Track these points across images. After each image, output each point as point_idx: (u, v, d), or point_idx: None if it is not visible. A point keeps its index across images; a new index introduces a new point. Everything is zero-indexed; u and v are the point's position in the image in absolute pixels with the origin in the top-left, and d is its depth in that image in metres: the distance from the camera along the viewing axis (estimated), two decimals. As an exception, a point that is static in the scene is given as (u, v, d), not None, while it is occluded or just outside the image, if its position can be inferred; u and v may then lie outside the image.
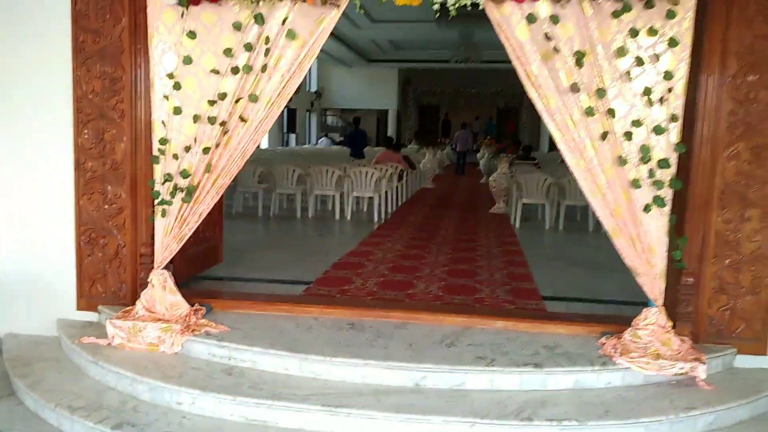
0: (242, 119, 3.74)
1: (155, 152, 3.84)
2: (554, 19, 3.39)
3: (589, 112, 3.44)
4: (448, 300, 4.67)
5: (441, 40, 17.34)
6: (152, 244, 3.96)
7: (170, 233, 3.87)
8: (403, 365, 3.36)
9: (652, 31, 3.35)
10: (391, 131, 25.11)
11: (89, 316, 4.17)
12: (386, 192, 9.29)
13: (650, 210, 3.46)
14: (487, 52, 16.34)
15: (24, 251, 4.25)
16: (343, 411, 3.07)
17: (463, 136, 18.84)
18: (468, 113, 25.45)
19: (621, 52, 3.38)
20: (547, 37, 3.42)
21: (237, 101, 3.72)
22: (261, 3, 3.58)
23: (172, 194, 3.82)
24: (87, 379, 3.55)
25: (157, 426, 3.07)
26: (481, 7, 3.44)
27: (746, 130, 3.56)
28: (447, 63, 19.42)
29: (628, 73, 3.40)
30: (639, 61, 3.38)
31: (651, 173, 3.44)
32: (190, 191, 3.81)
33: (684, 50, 3.37)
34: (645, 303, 3.62)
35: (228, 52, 3.66)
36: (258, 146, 3.95)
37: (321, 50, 3.80)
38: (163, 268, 3.91)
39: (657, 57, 3.38)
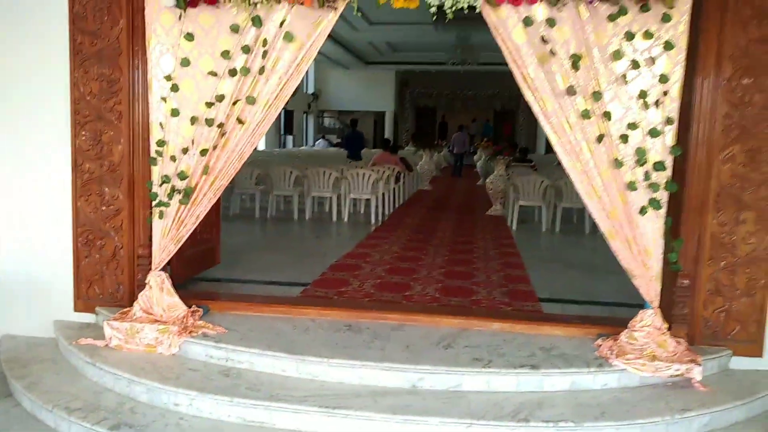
0: (240, 121, 3.75)
1: (153, 154, 3.84)
2: (551, 23, 3.41)
3: (586, 114, 3.46)
4: (445, 302, 4.68)
5: (438, 42, 17.36)
6: (150, 246, 3.96)
7: (168, 235, 3.88)
8: (400, 367, 3.37)
9: (647, 35, 3.37)
10: (388, 133, 25.13)
11: (86, 317, 4.18)
12: (383, 194, 9.30)
13: (646, 212, 3.48)
14: (484, 54, 16.40)
15: (22, 252, 4.25)
16: (341, 412, 3.08)
17: (460, 139, 18.89)
18: (465, 115, 25.49)
19: (617, 55, 3.40)
20: (544, 40, 3.44)
21: (234, 103, 3.73)
22: (259, 5, 3.59)
23: (170, 196, 3.83)
24: (84, 381, 3.55)
25: (154, 427, 3.08)
26: (478, 10, 3.46)
27: (741, 133, 3.58)
28: (444, 65, 19.46)
29: (624, 76, 3.42)
30: (635, 65, 3.40)
31: (647, 176, 3.46)
32: (187, 193, 3.81)
33: (679, 53, 3.39)
34: (641, 305, 3.64)
35: (226, 54, 3.67)
36: (255, 148, 3.97)
37: (318, 52, 3.81)
38: (160, 270, 3.92)
39: (653, 60, 3.40)
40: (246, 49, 3.65)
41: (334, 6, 3.58)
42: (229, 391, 3.22)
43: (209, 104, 3.72)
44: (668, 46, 3.36)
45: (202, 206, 3.89)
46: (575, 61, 3.42)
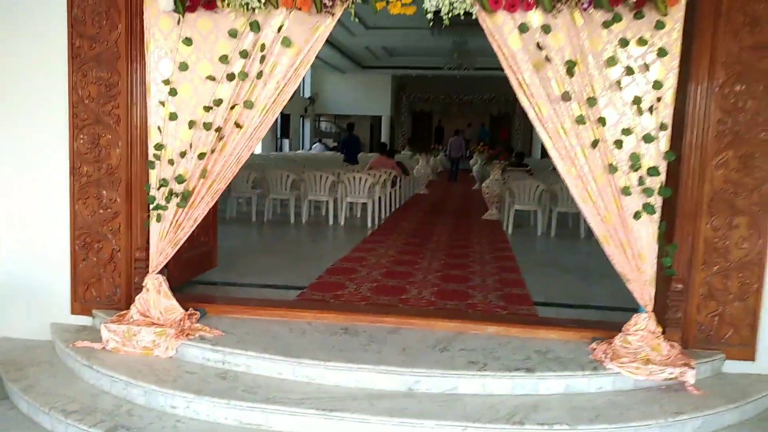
0: (237, 125, 3.78)
1: (151, 157, 3.86)
2: (546, 29, 3.44)
3: (580, 120, 3.49)
4: (440, 305, 4.70)
5: (434, 47, 17.41)
6: (147, 249, 3.97)
7: (165, 238, 3.89)
8: (396, 370, 3.39)
9: (641, 42, 3.41)
10: (384, 137, 25.14)
11: (83, 320, 4.18)
12: (380, 198, 9.31)
13: (640, 217, 3.51)
14: (481, 59, 16.44)
15: (22, 252, 4.25)
16: (337, 415, 3.09)
17: (456, 143, 18.92)
18: (461, 120, 25.56)
19: (611, 61, 3.43)
20: (539, 47, 3.47)
21: (232, 107, 3.75)
22: (257, 10, 3.62)
23: (168, 199, 3.84)
24: (81, 383, 3.56)
25: (151, 430, 3.09)
26: (474, 17, 3.49)
27: (734, 138, 3.62)
28: (440, 70, 19.51)
29: (619, 82, 3.46)
30: (629, 71, 3.44)
31: (641, 181, 3.49)
32: (185, 196, 3.83)
33: (673, 60, 3.42)
34: (635, 309, 3.67)
35: (224, 58, 3.69)
36: (252, 152, 3.99)
37: (315, 57, 3.83)
38: (157, 273, 3.93)
39: (646, 66, 3.44)
40: (244, 54, 3.67)
41: (332, 12, 3.60)
42: (226, 394, 3.23)
43: (207, 108, 3.74)
44: (662, 52, 3.40)
45: (199, 209, 3.91)
46: (570, 67, 3.45)
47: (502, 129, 25.79)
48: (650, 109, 3.45)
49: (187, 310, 3.95)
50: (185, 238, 3.95)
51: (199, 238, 4.86)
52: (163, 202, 3.85)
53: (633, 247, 3.55)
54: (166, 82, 3.77)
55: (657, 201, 3.51)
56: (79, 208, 4.12)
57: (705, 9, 3.53)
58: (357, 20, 3.62)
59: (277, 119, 4.35)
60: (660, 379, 3.43)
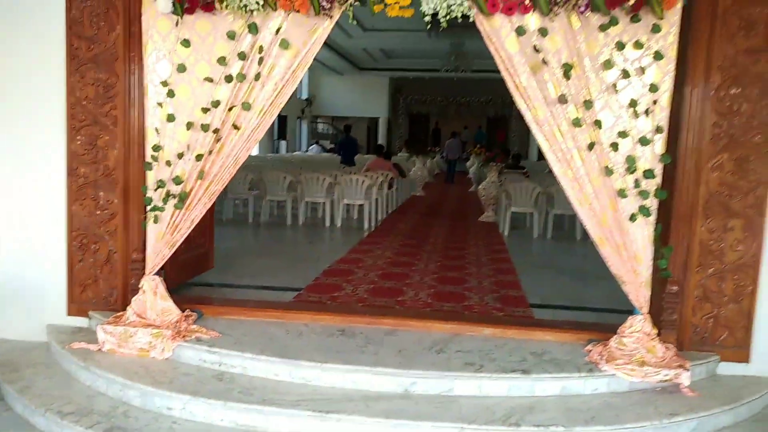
0: (235, 127, 3.78)
1: (148, 159, 3.86)
2: (543, 32, 3.46)
3: (577, 123, 3.51)
4: (437, 307, 4.71)
5: (432, 49, 17.47)
6: (144, 250, 3.97)
7: (162, 239, 3.89)
8: (392, 371, 3.39)
9: (638, 45, 3.42)
10: (381, 139, 25.19)
11: (80, 321, 4.18)
12: (376, 199, 9.32)
13: (636, 219, 3.52)
14: (478, 61, 16.49)
15: (20, 254, 4.24)
16: (334, 416, 3.10)
17: (453, 145, 18.96)
18: (458, 122, 25.58)
19: (608, 64, 3.45)
20: (536, 50, 3.49)
21: (230, 109, 3.75)
22: (255, 13, 3.62)
23: (165, 200, 3.84)
24: (77, 385, 3.55)
25: (147, 431, 3.08)
26: (471, 19, 3.50)
27: (730, 141, 3.64)
28: (437, 72, 19.57)
29: (615, 85, 3.47)
30: (625, 74, 3.45)
31: (637, 183, 3.50)
32: (182, 198, 3.83)
33: (669, 63, 3.44)
34: (630, 311, 3.68)
35: (222, 60, 3.69)
36: (249, 153, 3.99)
37: (313, 58, 3.84)
38: (154, 274, 3.93)
39: (643, 70, 3.45)
40: (242, 56, 3.68)
41: (330, 14, 3.61)
42: (222, 395, 3.23)
43: (205, 110, 3.74)
44: (658, 56, 3.41)
45: (196, 211, 3.91)
46: (567, 70, 3.46)
47: (499, 131, 25.82)
48: (646, 112, 3.47)
49: (183, 311, 3.95)
50: (182, 240, 3.95)
51: (195, 240, 4.85)
52: (160, 204, 3.85)
53: (629, 250, 3.56)
54: (164, 83, 3.78)
55: (653, 203, 3.52)
56: (76, 209, 4.11)
57: (701, 13, 3.56)
58: (355, 22, 3.63)
59: (274, 121, 4.36)
60: (655, 381, 3.44)
